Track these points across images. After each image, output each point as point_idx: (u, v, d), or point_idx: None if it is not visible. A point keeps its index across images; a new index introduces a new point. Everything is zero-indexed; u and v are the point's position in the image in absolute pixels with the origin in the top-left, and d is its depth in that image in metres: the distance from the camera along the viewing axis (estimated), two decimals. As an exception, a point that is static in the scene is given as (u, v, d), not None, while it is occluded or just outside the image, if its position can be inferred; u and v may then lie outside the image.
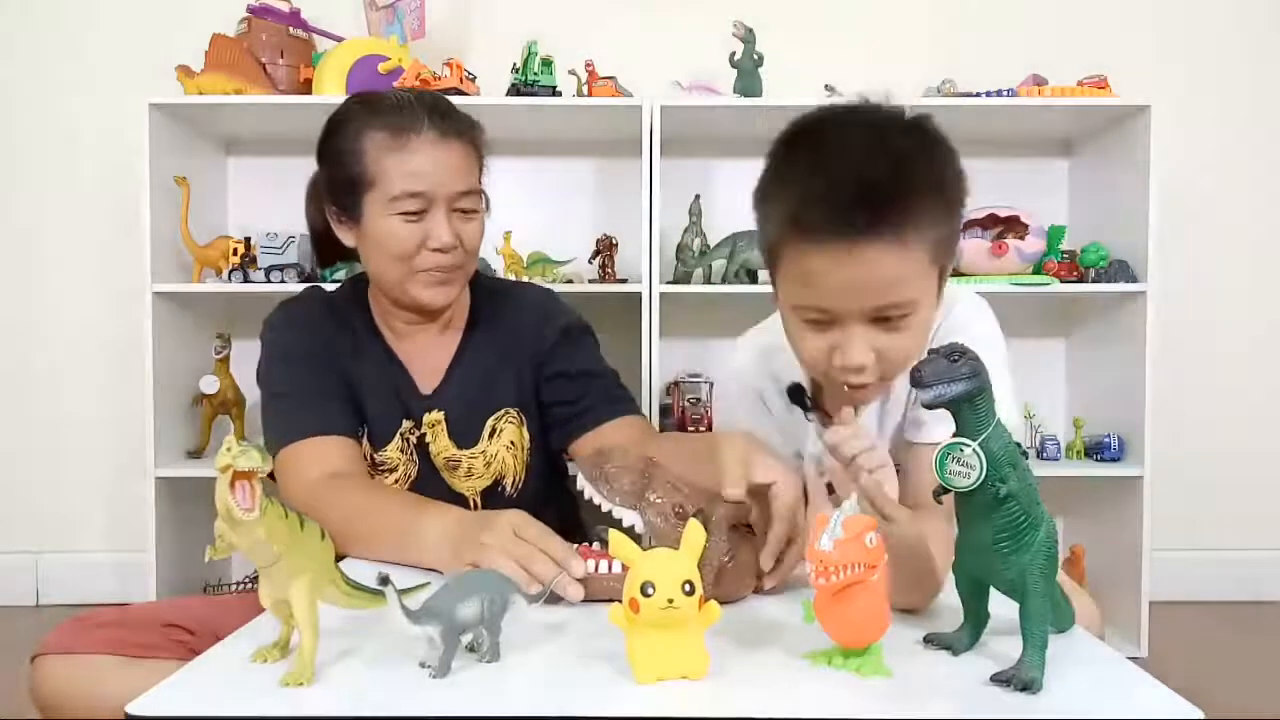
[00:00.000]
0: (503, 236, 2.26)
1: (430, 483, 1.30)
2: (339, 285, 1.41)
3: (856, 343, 0.96)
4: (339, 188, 1.24)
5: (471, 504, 1.33)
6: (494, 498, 1.34)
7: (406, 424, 1.30)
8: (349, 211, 1.24)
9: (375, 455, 1.30)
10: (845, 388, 1.00)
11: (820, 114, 1.03)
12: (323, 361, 1.27)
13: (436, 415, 1.30)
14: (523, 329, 1.35)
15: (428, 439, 1.31)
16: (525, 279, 2.13)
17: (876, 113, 1.02)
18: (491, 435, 1.33)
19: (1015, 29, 2.46)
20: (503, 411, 1.33)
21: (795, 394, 1.15)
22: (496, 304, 1.39)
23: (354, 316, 1.34)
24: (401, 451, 1.30)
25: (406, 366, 1.33)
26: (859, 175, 0.92)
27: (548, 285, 2.20)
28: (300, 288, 2.11)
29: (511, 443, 1.33)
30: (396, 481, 1.30)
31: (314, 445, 1.20)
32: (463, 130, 1.24)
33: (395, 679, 0.71)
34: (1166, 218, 2.16)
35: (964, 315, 1.10)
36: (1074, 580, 2.22)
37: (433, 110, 1.22)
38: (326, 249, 1.37)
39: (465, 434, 1.31)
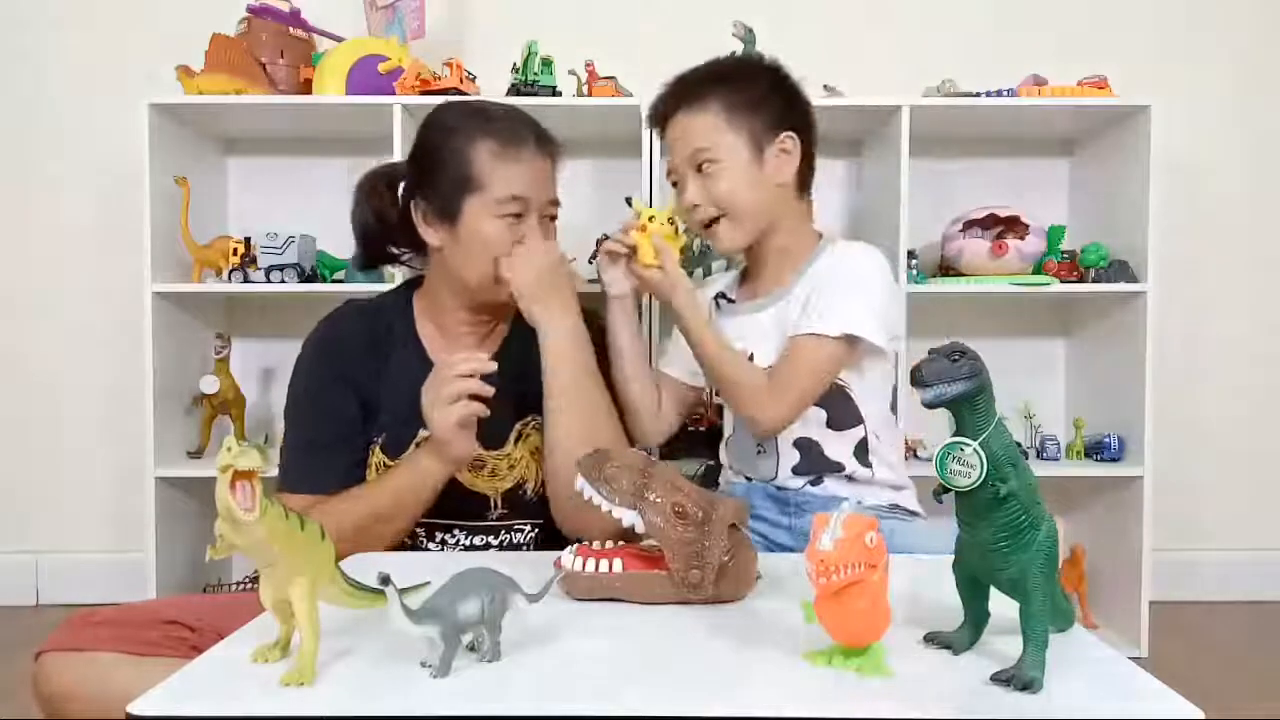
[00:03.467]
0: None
1: (446, 488, 1.31)
2: (387, 292, 1.50)
3: (688, 188, 1.38)
4: (439, 188, 1.33)
5: (492, 503, 1.37)
6: (515, 499, 1.37)
7: (424, 433, 1.31)
8: (445, 211, 1.33)
9: (390, 463, 1.33)
10: (707, 237, 1.41)
11: None
12: (338, 400, 1.34)
13: None
14: None
15: None
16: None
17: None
18: (518, 440, 1.38)
19: (1015, 29, 2.46)
20: (531, 418, 1.38)
21: (718, 297, 1.51)
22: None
23: (396, 324, 1.41)
24: None
25: None
26: (680, 76, 1.42)
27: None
28: (300, 288, 2.14)
29: (536, 449, 1.37)
30: None
31: (306, 500, 1.28)
32: (554, 150, 1.38)
33: (396, 679, 0.71)
34: (1166, 218, 2.15)
35: (846, 250, 1.39)
36: (1070, 582, 2.23)
37: (532, 127, 1.36)
38: (374, 249, 1.46)
39: (493, 435, 1.33)
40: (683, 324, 1.35)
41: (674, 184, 1.41)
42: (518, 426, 1.38)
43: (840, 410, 1.36)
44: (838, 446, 1.36)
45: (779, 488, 1.38)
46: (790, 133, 1.37)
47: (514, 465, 1.37)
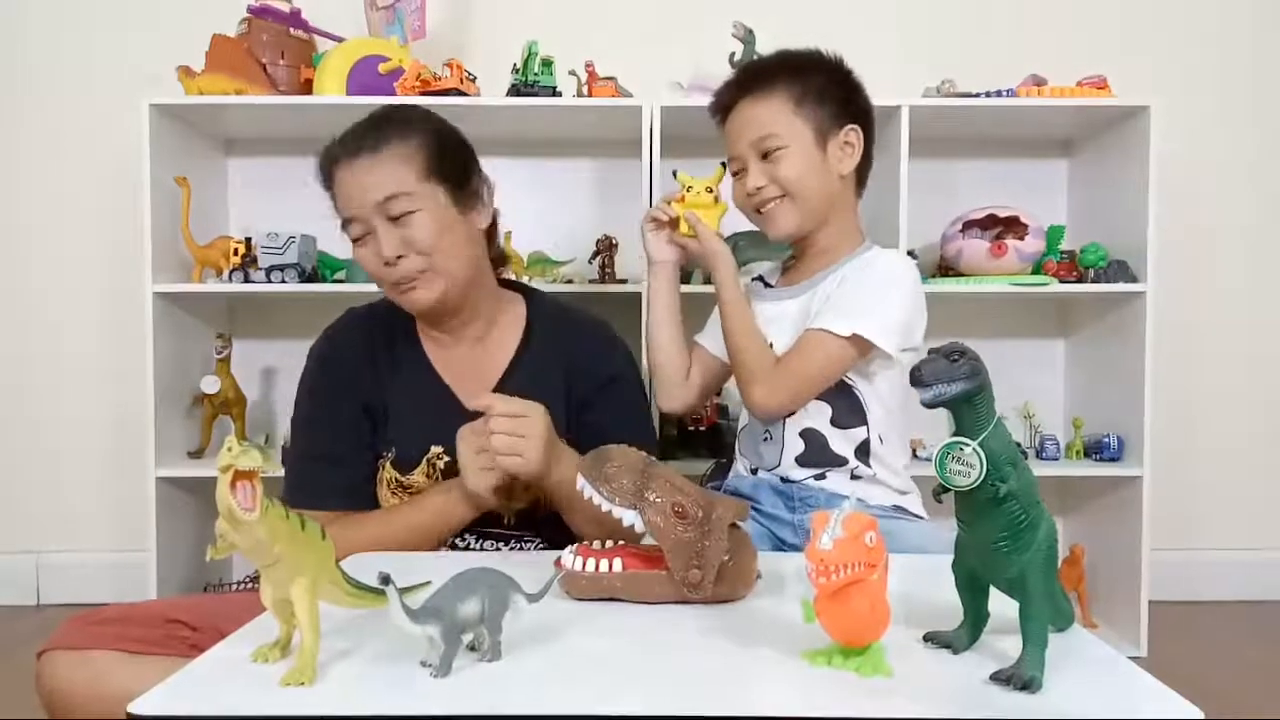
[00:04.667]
0: (503, 236, 2.25)
1: None
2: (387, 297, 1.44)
3: (752, 172, 1.38)
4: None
5: (506, 521, 1.33)
6: (528, 519, 1.34)
7: (435, 449, 1.30)
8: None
9: (402, 479, 1.31)
10: (765, 222, 1.41)
11: None
12: (342, 411, 1.32)
13: None
14: (579, 359, 1.37)
15: None
16: (526, 279, 2.12)
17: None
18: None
19: (1015, 29, 2.47)
20: None
21: (759, 279, 1.55)
22: (556, 327, 1.40)
23: (399, 333, 1.37)
24: (428, 477, 1.31)
25: (449, 381, 1.34)
26: (746, 65, 1.51)
27: (548, 285, 2.21)
28: (300, 288, 2.14)
29: None
30: None
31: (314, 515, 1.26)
32: (383, 138, 1.25)
33: (396, 678, 0.71)
34: (1166, 218, 2.16)
35: (880, 255, 1.42)
36: (1070, 582, 2.23)
37: (353, 135, 1.27)
38: None
39: None
40: (718, 294, 1.40)
41: (735, 173, 1.42)
42: None
43: (845, 409, 1.36)
44: (841, 444, 1.36)
45: (784, 479, 1.38)
46: (854, 126, 1.39)
47: (529, 486, 1.30)
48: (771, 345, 1.39)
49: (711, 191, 1.42)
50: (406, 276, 1.26)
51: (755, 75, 1.42)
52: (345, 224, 1.27)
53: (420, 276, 1.26)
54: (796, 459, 1.37)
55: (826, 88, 1.39)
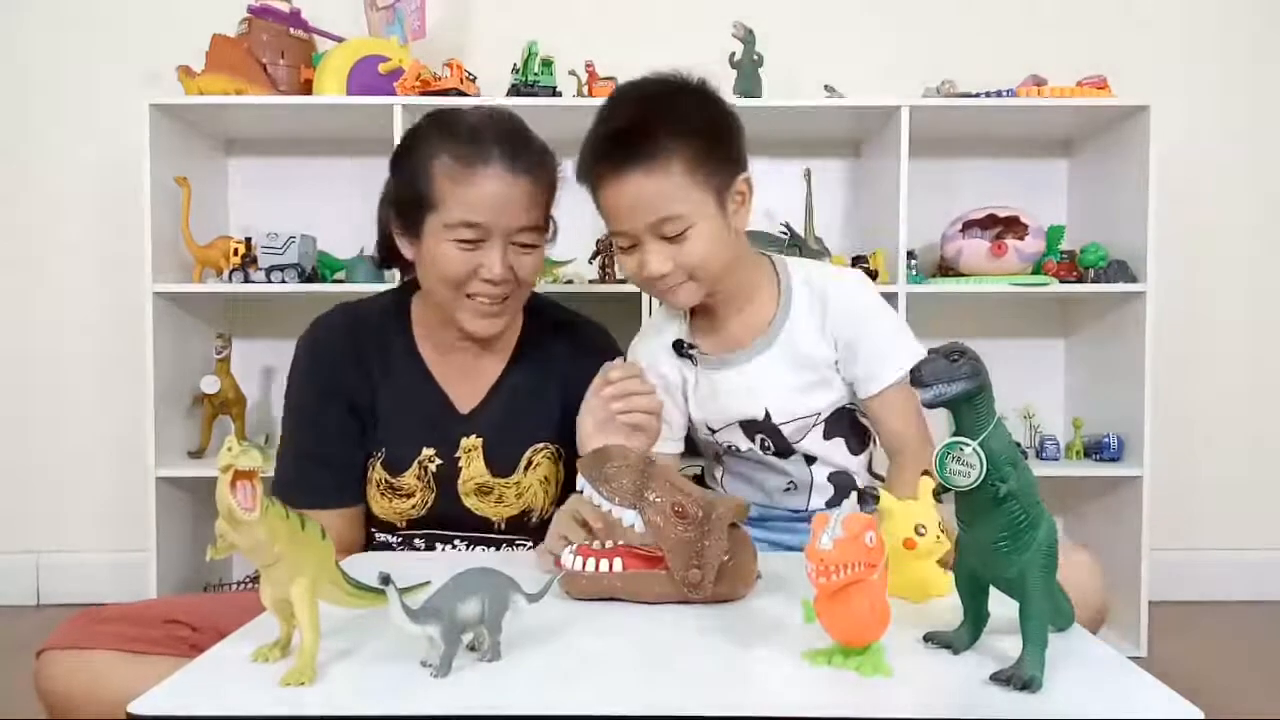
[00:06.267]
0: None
1: (449, 508, 1.31)
2: (382, 294, 1.41)
3: (651, 257, 1.19)
4: (403, 203, 1.26)
5: (497, 528, 1.34)
6: (519, 526, 1.34)
7: (427, 452, 1.30)
8: (410, 227, 1.25)
9: (392, 480, 1.30)
10: (663, 296, 1.25)
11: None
12: (329, 411, 1.30)
13: (475, 441, 1.31)
14: (576, 369, 1.32)
15: (461, 464, 1.30)
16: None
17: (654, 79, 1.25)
18: (528, 468, 1.33)
19: (1015, 29, 2.46)
20: (542, 445, 1.34)
21: (677, 346, 1.35)
22: (554, 336, 1.38)
23: (392, 333, 1.35)
24: (418, 479, 1.30)
25: (443, 385, 1.34)
26: (613, 123, 1.19)
27: (549, 285, 2.21)
28: (300, 288, 2.14)
29: (545, 478, 1.34)
30: (414, 506, 1.31)
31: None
32: (532, 165, 1.23)
33: (396, 678, 0.71)
34: (1166, 218, 2.16)
35: (852, 290, 1.31)
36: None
37: (505, 141, 1.21)
38: (393, 252, 1.34)
39: (501, 461, 1.31)
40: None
41: (624, 248, 1.22)
42: (527, 454, 1.33)
43: (851, 434, 1.35)
44: (860, 474, 1.36)
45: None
46: (744, 174, 1.23)
47: (521, 494, 1.32)
48: (768, 415, 1.30)
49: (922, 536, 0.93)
50: (494, 299, 1.25)
51: (639, 141, 1.15)
52: (457, 225, 1.20)
53: (504, 304, 1.27)
54: (826, 503, 1.35)
55: (716, 138, 1.20)
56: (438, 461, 1.30)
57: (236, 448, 0.66)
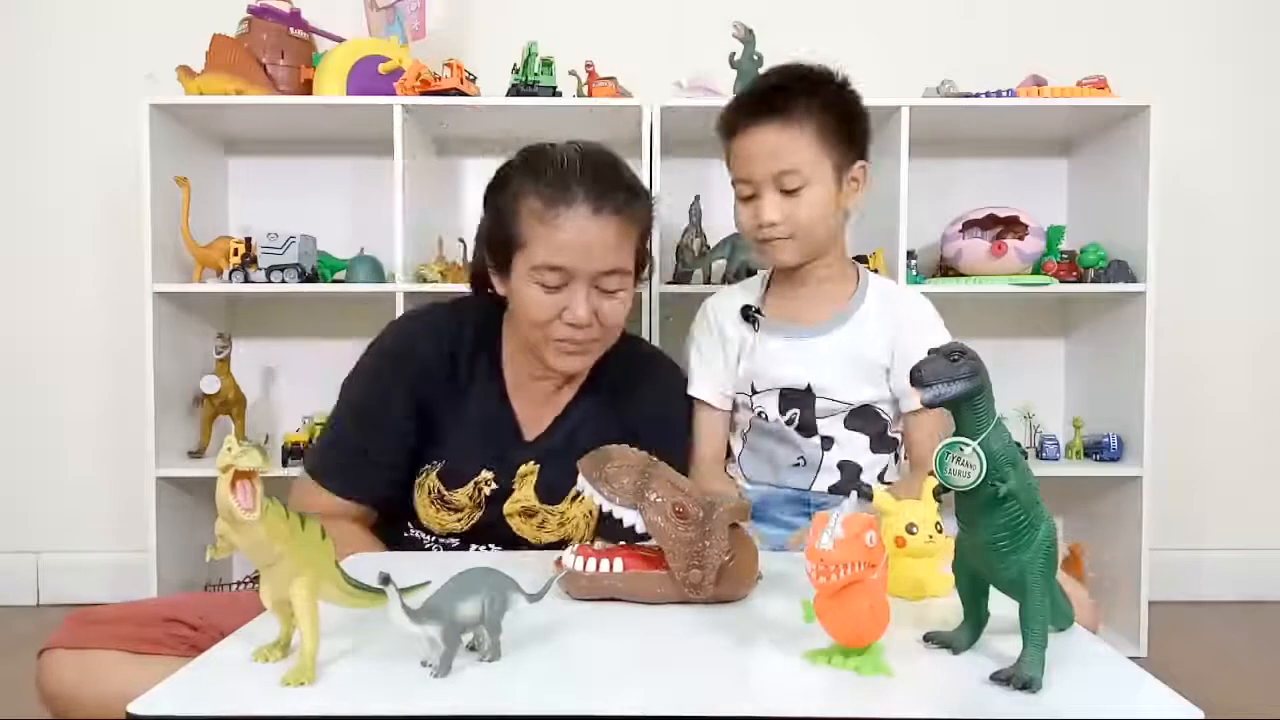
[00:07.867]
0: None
1: (491, 524, 1.30)
2: (479, 300, 1.36)
3: (766, 204, 1.33)
4: (494, 240, 1.25)
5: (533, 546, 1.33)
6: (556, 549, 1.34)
7: (485, 474, 1.29)
8: (501, 265, 1.26)
9: (445, 493, 1.30)
10: (766, 251, 1.38)
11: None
12: (397, 416, 1.28)
13: (532, 467, 1.31)
14: (644, 407, 1.35)
15: (514, 486, 1.30)
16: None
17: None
18: (575, 499, 1.32)
19: (1015, 29, 2.46)
20: None
21: (745, 311, 1.45)
22: (628, 373, 1.37)
23: (482, 346, 1.33)
24: (470, 499, 1.30)
25: (516, 409, 1.33)
26: (758, 84, 1.39)
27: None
28: (300, 288, 2.14)
29: (590, 511, 1.33)
30: (459, 520, 1.31)
31: (327, 497, 1.26)
32: (620, 205, 1.20)
33: (396, 678, 0.71)
34: (1166, 218, 2.16)
35: (924, 310, 1.43)
36: (1075, 578, 2.23)
37: (591, 180, 1.19)
38: (486, 284, 1.33)
39: (553, 489, 1.31)
40: None
41: (744, 197, 1.36)
42: (576, 487, 1.34)
43: (877, 438, 1.40)
44: (870, 473, 1.40)
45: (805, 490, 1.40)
46: (863, 161, 1.37)
47: (564, 523, 1.32)
48: (809, 387, 1.37)
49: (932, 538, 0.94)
50: (578, 342, 1.24)
51: (783, 98, 1.31)
52: (541, 268, 1.19)
53: (590, 346, 1.26)
54: (830, 487, 1.38)
55: (848, 120, 1.34)
56: (494, 486, 1.30)
57: (236, 448, 0.66)
